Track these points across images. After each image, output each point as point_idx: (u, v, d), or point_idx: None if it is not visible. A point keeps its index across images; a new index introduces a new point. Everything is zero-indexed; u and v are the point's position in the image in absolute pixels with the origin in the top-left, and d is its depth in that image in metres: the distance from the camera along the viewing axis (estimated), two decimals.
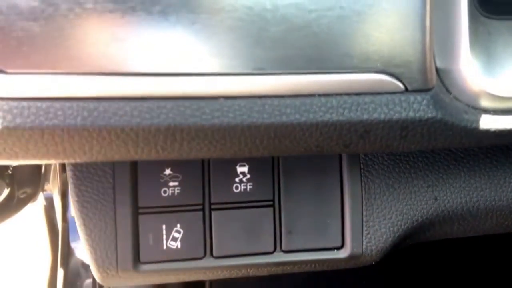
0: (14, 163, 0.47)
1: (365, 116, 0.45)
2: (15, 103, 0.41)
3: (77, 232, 0.58)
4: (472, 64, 0.46)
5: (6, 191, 0.80)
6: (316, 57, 0.43)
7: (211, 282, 1.00)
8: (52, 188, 0.95)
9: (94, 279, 0.71)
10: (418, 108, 0.45)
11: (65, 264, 0.98)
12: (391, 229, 0.61)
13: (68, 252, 0.99)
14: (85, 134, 0.42)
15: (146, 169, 0.57)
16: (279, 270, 0.61)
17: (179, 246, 0.58)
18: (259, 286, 1.01)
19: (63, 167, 0.81)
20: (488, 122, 0.47)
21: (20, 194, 0.84)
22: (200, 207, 0.58)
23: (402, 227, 0.61)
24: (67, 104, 0.41)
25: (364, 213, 0.60)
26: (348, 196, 0.60)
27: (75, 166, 0.56)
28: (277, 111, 0.44)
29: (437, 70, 0.46)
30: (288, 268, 0.61)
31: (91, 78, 0.41)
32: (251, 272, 0.61)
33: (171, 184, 0.58)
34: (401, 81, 0.45)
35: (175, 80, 0.42)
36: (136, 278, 0.58)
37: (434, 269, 1.08)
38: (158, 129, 0.43)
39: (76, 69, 0.41)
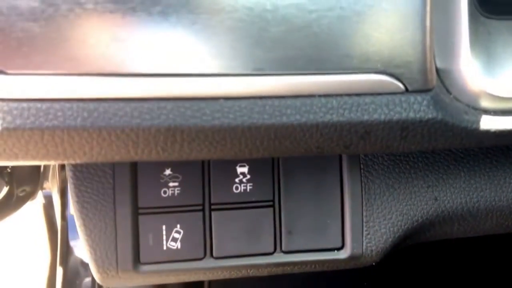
0: (14, 163, 0.47)
1: (366, 117, 0.45)
2: (15, 104, 0.41)
3: (76, 230, 0.58)
4: (472, 64, 0.46)
5: (5, 189, 0.80)
6: (316, 58, 0.43)
7: (210, 282, 1.00)
8: (51, 187, 0.95)
9: (93, 278, 0.71)
10: (418, 108, 0.45)
11: (64, 263, 0.98)
12: (391, 229, 0.61)
13: (67, 250, 0.98)
14: (85, 135, 0.42)
15: (146, 170, 0.57)
16: (279, 271, 0.61)
17: (179, 247, 0.58)
18: (258, 286, 1.01)
19: (62, 165, 0.81)
20: (488, 123, 0.47)
21: (19, 192, 0.84)
22: (200, 207, 0.58)
23: (402, 227, 0.61)
24: (67, 105, 0.41)
25: (364, 214, 0.60)
26: (348, 196, 0.60)
27: (75, 166, 0.56)
28: (278, 112, 0.44)
29: (437, 70, 0.46)
30: (288, 268, 0.61)
31: (91, 79, 0.41)
32: (251, 273, 0.61)
33: (171, 184, 0.57)
34: (401, 82, 0.45)
35: (175, 81, 0.42)
36: (136, 279, 0.58)
37: (434, 269, 1.08)
38: (159, 130, 0.43)
39: (76, 70, 0.41)
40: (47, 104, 0.41)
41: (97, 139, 0.43)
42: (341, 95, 0.45)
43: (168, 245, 0.58)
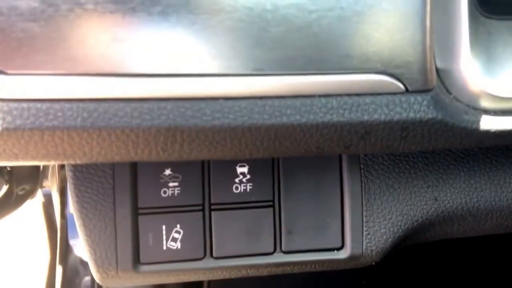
0: (14, 164, 0.47)
1: (366, 117, 0.45)
2: (15, 105, 0.41)
3: (75, 229, 0.58)
4: (472, 64, 0.46)
5: (4, 188, 0.80)
6: (316, 58, 0.43)
7: (210, 282, 1.00)
8: (51, 185, 0.95)
9: (92, 277, 0.71)
10: (418, 108, 0.45)
11: (63, 261, 0.98)
12: (391, 229, 0.61)
13: (66, 249, 0.98)
14: (85, 135, 0.42)
15: (146, 170, 0.57)
16: (279, 271, 0.61)
17: (179, 247, 0.58)
18: (258, 286, 1.01)
19: (62, 164, 0.81)
20: (488, 123, 0.47)
21: (19, 190, 0.84)
22: (200, 207, 0.58)
23: (402, 227, 0.61)
24: (67, 105, 0.41)
25: (364, 214, 0.60)
26: (348, 196, 0.60)
27: (75, 166, 0.56)
28: (278, 112, 0.44)
29: (437, 70, 0.46)
30: (288, 268, 0.61)
31: (91, 79, 0.41)
32: (251, 273, 0.61)
33: (171, 184, 0.57)
34: (401, 82, 0.45)
35: (175, 81, 0.42)
36: (136, 279, 0.58)
37: (434, 269, 1.08)
38: (159, 130, 0.43)
39: (76, 70, 0.41)
40: (47, 105, 0.41)
41: (97, 139, 0.43)
42: (341, 95, 0.45)
43: (168, 245, 0.58)
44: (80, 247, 0.87)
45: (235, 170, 0.58)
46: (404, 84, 0.45)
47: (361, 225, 0.60)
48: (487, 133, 0.48)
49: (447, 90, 0.47)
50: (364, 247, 0.61)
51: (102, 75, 0.41)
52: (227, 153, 0.46)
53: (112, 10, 0.40)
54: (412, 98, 0.45)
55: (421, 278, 1.09)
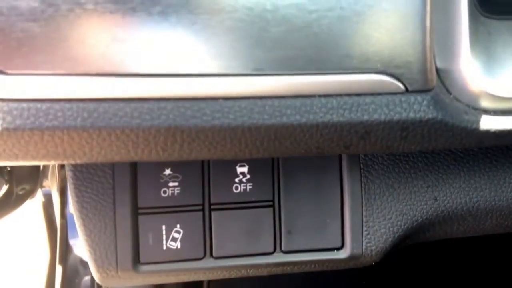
0: (14, 164, 0.47)
1: (366, 117, 0.45)
2: (15, 105, 0.41)
3: (75, 228, 0.58)
4: (472, 64, 0.46)
5: (4, 188, 0.80)
6: (316, 58, 0.43)
7: (209, 281, 1.00)
8: (51, 185, 0.95)
9: (92, 277, 0.72)
10: (418, 108, 0.45)
11: (63, 261, 0.98)
12: (391, 229, 0.61)
13: (66, 249, 0.98)
14: (85, 135, 0.42)
15: (146, 169, 0.57)
16: (278, 271, 0.61)
17: (179, 247, 0.58)
18: (258, 286, 1.01)
19: (62, 164, 0.81)
20: (488, 123, 0.47)
21: (19, 190, 0.84)
22: (200, 207, 0.58)
23: (402, 227, 0.61)
24: (67, 105, 0.41)
25: (364, 213, 0.60)
26: (348, 196, 0.60)
27: (75, 166, 0.56)
28: (278, 112, 0.44)
29: (437, 70, 0.46)
30: (288, 268, 0.61)
31: (91, 79, 0.41)
32: (251, 273, 0.61)
33: (171, 184, 0.57)
34: (401, 82, 0.45)
35: (175, 81, 0.42)
36: (136, 279, 0.58)
37: (434, 269, 1.08)
38: (159, 130, 0.43)
39: (76, 70, 0.41)
40: (47, 105, 0.41)
41: (97, 139, 0.43)
42: (341, 95, 0.45)
43: (168, 245, 0.58)
44: (80, 247, 0.87)
45: (235, 170, 0.58)
46: (404, 84, 0.45)
47: (361, 225, 0.60)
48: (487, 133, 0.48)
49: (447, 90, 0.47)
50: (364, 247, 0.61)
51: (102, 75, 0.41)
52: (227, 153, 0.46)
53: (112, 10, 0.40)
54: (412, 98, 0.45)
55: (421, 278, 1.09)
